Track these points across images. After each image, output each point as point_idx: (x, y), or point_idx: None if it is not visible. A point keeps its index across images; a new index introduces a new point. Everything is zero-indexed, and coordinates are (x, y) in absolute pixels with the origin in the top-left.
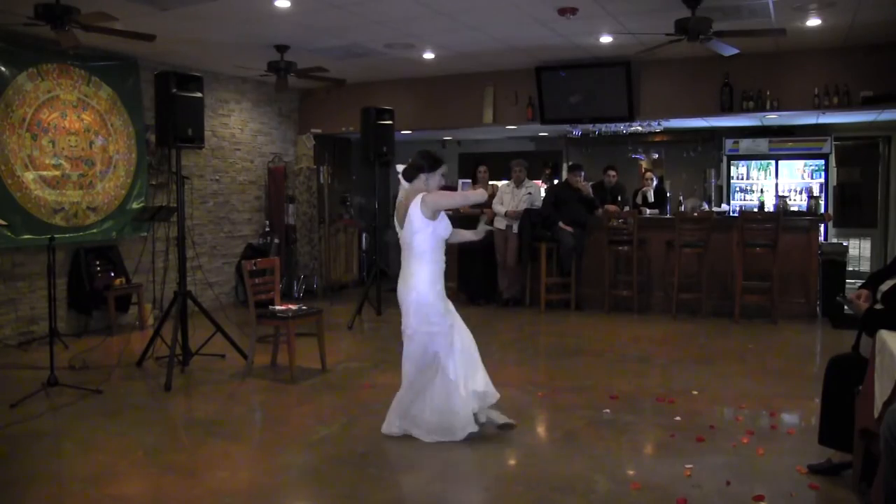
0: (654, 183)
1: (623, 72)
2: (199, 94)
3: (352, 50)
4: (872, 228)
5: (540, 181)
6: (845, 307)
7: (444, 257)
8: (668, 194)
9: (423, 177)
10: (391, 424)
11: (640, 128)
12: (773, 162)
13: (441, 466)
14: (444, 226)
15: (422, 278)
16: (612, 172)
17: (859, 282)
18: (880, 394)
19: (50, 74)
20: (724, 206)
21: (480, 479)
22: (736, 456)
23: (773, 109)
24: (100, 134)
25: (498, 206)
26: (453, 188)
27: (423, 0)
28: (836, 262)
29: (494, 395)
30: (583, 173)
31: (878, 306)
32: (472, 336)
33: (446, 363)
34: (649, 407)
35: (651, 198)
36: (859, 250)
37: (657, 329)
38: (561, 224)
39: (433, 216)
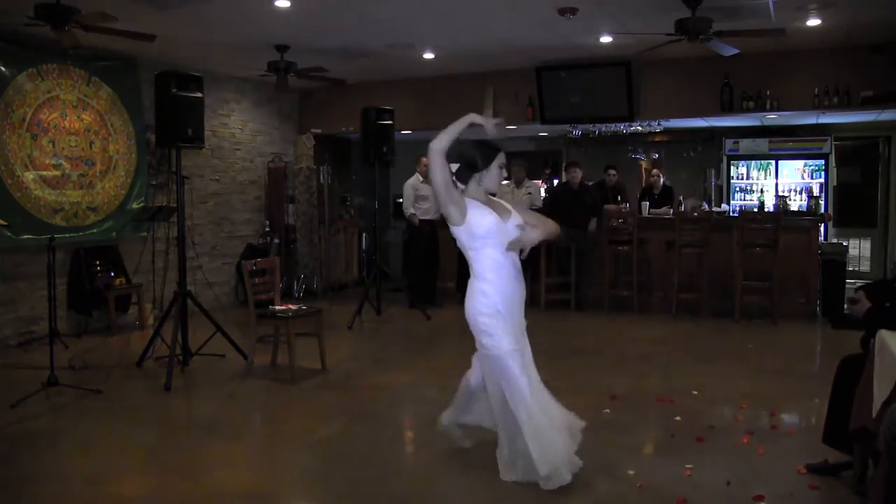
0: (662, 181)
1: (623, 72)
2: (199, 94)
3: (352, 50)
4: (872, 228)
5: (540, 181)
6: (846, 307)
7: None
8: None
9: (476, 177)
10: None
11: (640, 128)
12: (773, 162)
13: (441, 466)
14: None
15: None
16: (613, 172)
17: (859, 282)
18: (880, 394)
19: (50, 74)
20: (724, 206)
21: (480, 478)
22: (736, 456)
23: (773, 109)
24: (99, 134)
25: None
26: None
27: (423, 0)
28: (836, 262)
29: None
30: (580, 170)
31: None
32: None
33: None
34: (649, 407)
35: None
36: (859, 250)
37: (657, 329)
38: None
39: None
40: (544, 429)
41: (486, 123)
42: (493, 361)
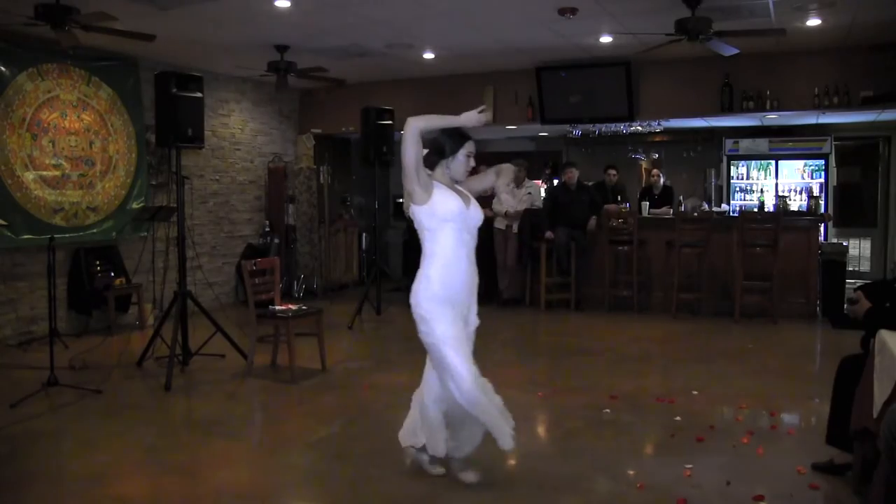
0: (662, 181)
1: (623, 72)
2: (199, 94)
3: (352, 50)
4: (872, 228)
5: (540, 181)
6: (845, 307)
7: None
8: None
9: (443, 163)
10: None
11: (640, 128)
12: (773, 162)
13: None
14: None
15: None
16: (613, 171)
17: (859, 282)
18: (880, 394)
19: (50, 74)
20: (724, 206)
21: (480, 478)
22: (736, 456)
23: (773, 109)
24: (99, 134)
25: (498, 206)
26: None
27: (423, 0)
28: (836, 262)
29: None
30: (575, 170)
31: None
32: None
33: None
34: (649, 407)
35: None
36: (859, 250)
37: (657, 329)
38: (548, 234)
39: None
40: (489, 406)
41: (470, 122)
42: (431, 349)
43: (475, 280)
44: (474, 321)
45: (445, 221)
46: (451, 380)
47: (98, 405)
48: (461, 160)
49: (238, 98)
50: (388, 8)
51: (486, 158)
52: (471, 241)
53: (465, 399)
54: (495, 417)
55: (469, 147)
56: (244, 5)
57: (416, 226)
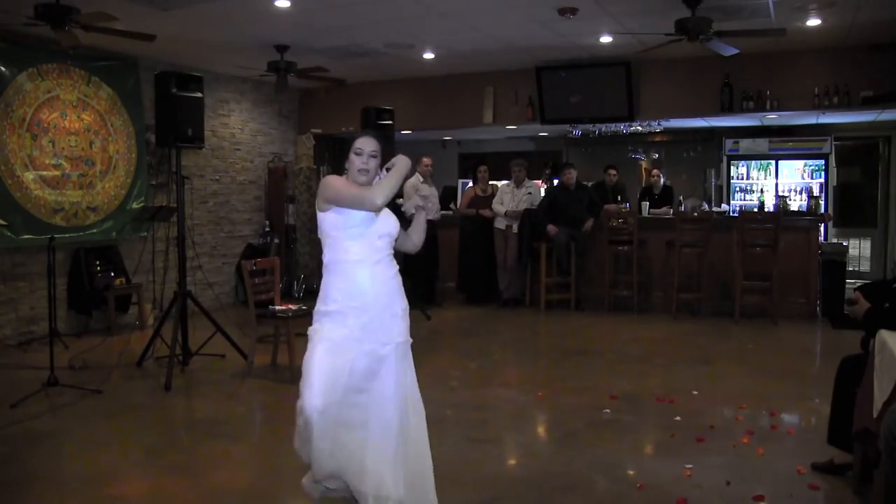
0: (662, 181)
1: (623, 72)
2: (199, 94)
3: (352, 50)
4: (872, 228)
5: (540, 181)
6: (845, 308)
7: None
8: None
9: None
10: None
11: (640, 128)
12: (773, 162)
13: (441, 466)
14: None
15: None
16: (613, 171)
17: (859, 282)
18: (880, 394)
19: (50, 74)
20: (724, 206)
21: (481, 479)
22: (736, 456)
23: (773, 109)
24: (99, 134)
25: (498, 206)
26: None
27: (423, 0)
28: (836, 262)
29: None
30: (574, 171)
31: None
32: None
33: None
34: (649, 407)
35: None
36: (859, 250)
37: (657, 329)
38: (550, 226)
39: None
40: (317, 447)
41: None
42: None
43: (389, 288)
44: (401, 335)
45: (347, 229)
46: (303, 386)
47: (98, 405)
48: (351, 159)
49: (238, 98)
50: (387, 8)
51: (486, 158)
52: (383, 249)
53: (303, 416)
54: (314, 456)
55: (357, 144)
56: (244, 5)
57: (319, 234)
